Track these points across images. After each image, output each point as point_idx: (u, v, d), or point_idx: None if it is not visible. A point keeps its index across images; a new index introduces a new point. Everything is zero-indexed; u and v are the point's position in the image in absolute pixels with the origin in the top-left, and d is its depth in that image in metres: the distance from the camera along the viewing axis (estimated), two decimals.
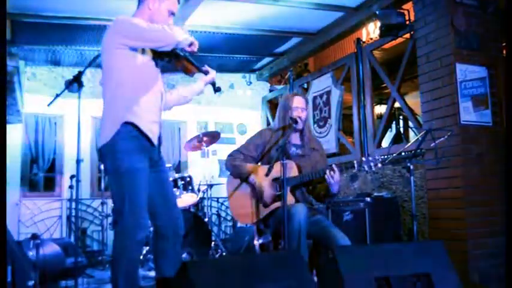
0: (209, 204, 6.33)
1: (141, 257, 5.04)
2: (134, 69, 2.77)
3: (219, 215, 7.46)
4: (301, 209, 3.17)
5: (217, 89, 3.07)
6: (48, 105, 3.67)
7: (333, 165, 3.30)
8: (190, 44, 2.82)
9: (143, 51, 2.81)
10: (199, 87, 3.14)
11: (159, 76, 2.96)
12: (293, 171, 3.44)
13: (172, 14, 2.95)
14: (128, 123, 2.71)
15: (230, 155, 3.65)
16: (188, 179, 5.71)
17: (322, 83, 6.65)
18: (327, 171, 3.27)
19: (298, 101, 3.58)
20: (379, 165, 3.23)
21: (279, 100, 3.81)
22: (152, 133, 2.82)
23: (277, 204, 3.42)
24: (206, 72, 3.05)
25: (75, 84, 3.67)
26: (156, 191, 2.86)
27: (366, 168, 3.24)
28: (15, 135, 7.07)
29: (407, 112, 5.35)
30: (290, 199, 3.37)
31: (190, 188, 5.67)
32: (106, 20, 5.68)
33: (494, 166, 4.45)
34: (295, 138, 3.61)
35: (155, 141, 2.85)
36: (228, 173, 3.67)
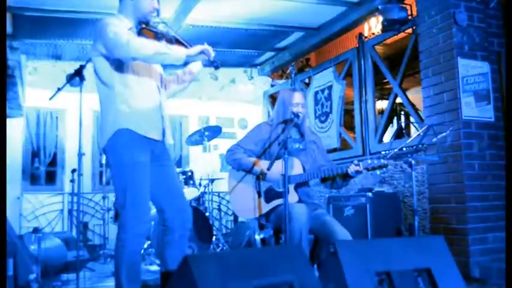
0: (210, 199, 6.34)
1: (143, 251, 5.06)
2: (124, 71, 2.77)
3: (220, 210, 7.47)
4: (301, 211, 3.17)
5: (216, 66, 2.93)
6: (50, 99, 3.68)
7: (360, 164, 3.27)
8: (202, 53, 2.81)
9: None
10: (197, 67, 3.13)
11: (152, 68, 2.94)
12: (297, 168, 3.43)
13: None
14: (123, 129, 2.72)
15: (230, 150, 3.63)
16: (189, 173, 5.72)
17: (323, 78, 6.64)
18: (352, 168, 3.27)
19: (299, 97, 3.57)
20: (382, 160, 3.23)
21: (278, 95, 3.78)
22: (154, 130, 2.81)
23: (279, 200, 3.41)
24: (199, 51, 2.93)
25: (76, 78, 3.68)
26: (162, 184, 2.87)
27: (369, 167, 3.24)
28: (17, 129, 7.08)
29: (409, 107, 5.35)
30: (292, 196, 3.36)
31: (191, 182, 5.68)
32: (108, 14, 5.67)
33: (495, 161, 4.45)
34: (294, 133, 3.60)
35: (159, 137, 2.85)
36: (229, 167, 3.66)
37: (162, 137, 2.91)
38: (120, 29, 2.71)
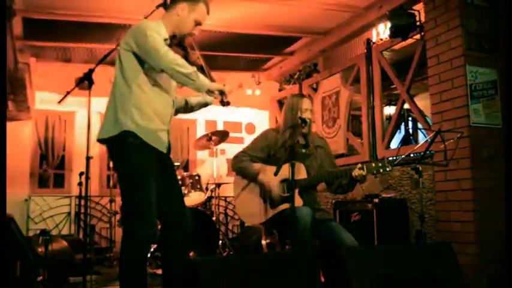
0: (217, 203, 6.35)
1: (149, 255, 5.06)
2: (146, 74, 2.78)
3: (226, 214, 7.47)
4: (306, 213, 3.17)
5: (225, 103, 2.89)
6: (59, 102, 3.69)
7: (364, 167, 3.27)
8: (221, 93, 2.78)
9: None
10: (209, 99, 3.14)
11: (172, 83, 2.95)
12: (301, 173, 3.44)
13: (199, 24, 2.95)
14: (127, 132, 2.71)
15: (235, 157, 3.64)
16: (196, 177, 5.73)
17: (331, 83, 6.64)
18: (357, 171, 3.26)
19: (307, 103, 3.58)
20: (388, 168, 3.23)
21: (286, 101, 3.79)
22: (159, 142, 2.81)
23: (285, 205, 3.41)
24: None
25: (85, 81, 3.69)
26: (164, 189, 2.87)
27: (373, 170, 3.24)
28: (26, 132, 7.13)
29: (417, 113, 5.33)
30: (297, 201, 3.36)
31: (198, 186, 5.69)
32: (117, 18, 5.71)
33: (503, 168, 4.42)
34: (300, 138, 3.61)
35: (164, 150, 2.84)
36: (235, 173, 3.68)
37: (167, 151, 2.91)
38: (160, 38, 2.73)
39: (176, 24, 2.89)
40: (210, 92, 2.75)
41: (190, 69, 2.67)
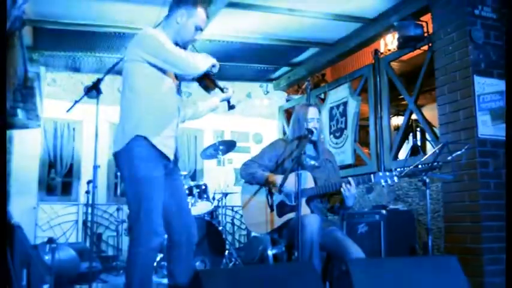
0: (224, 213, 6.34)
1: (155, 264, 5.06)
2: (152, 82, 2.80)
3: (233, 224, 7.46)
4: (314, 220, 3.16)
5: (231, 107, 3.03)
6: (67, 111, 3.72)
7: (349, 179, 3.29)
8: (213, 66, 2.88)
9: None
10: (215, 103, 3.17)
11: (176, 89, 2.97)
12: (309, 182, 3.44)
13: (200, 29, 2.97)
14: (140, 136, 2.73)
15: (245, 164, 3.66)
16: (203, 187, 5.72)
17: (339, 94, 6.64)
18: (343, 185, 3.27)
19: (313, 112, 3.58)
20: (396, 179, 3.22)
21: (293, 111, 3.81)
22: (167, 148, 2.83)
23: (291, 214, 3.41)
24: (224, 90, 2.99)
25: (94, 90, 3.73)
26: (170, 198, 2.88)
27: (383, 183, 3.23)
28: (34, 140, 7.16)
29: (425, 124, 5.32)
30: (305, 210, 3.36)
31: (205, 196, 5.68)
32: (126, 28, 5.76)
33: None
34: (309, 149, 3.61)
35: (171, 156, 2.86)
36: (243, 181, 3.68)
37: (175, 158, 2.93)
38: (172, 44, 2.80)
39: (177, 32, 2.91)
40: (213, 66, 2.88)
41: (204, 62, 2.81)
